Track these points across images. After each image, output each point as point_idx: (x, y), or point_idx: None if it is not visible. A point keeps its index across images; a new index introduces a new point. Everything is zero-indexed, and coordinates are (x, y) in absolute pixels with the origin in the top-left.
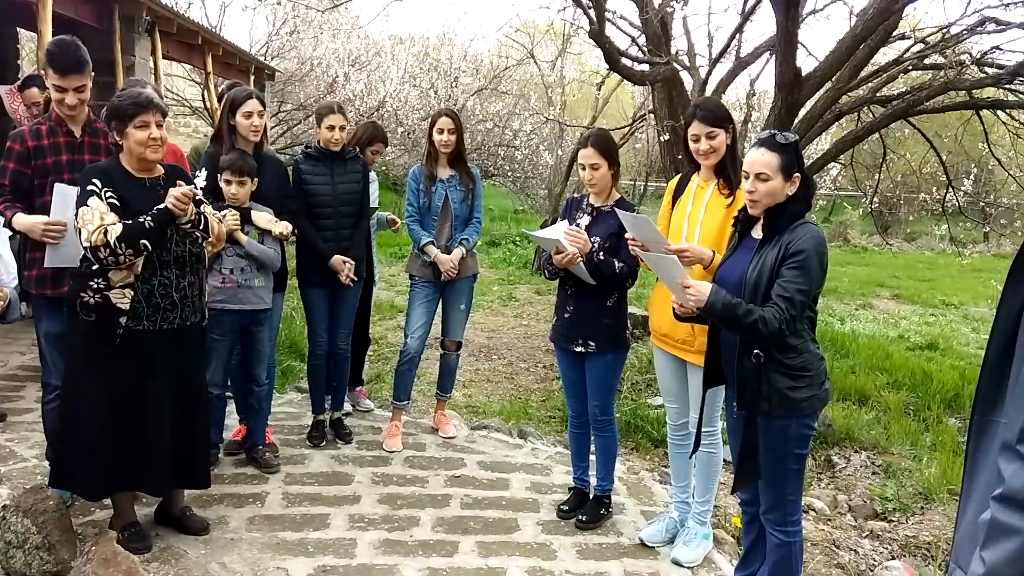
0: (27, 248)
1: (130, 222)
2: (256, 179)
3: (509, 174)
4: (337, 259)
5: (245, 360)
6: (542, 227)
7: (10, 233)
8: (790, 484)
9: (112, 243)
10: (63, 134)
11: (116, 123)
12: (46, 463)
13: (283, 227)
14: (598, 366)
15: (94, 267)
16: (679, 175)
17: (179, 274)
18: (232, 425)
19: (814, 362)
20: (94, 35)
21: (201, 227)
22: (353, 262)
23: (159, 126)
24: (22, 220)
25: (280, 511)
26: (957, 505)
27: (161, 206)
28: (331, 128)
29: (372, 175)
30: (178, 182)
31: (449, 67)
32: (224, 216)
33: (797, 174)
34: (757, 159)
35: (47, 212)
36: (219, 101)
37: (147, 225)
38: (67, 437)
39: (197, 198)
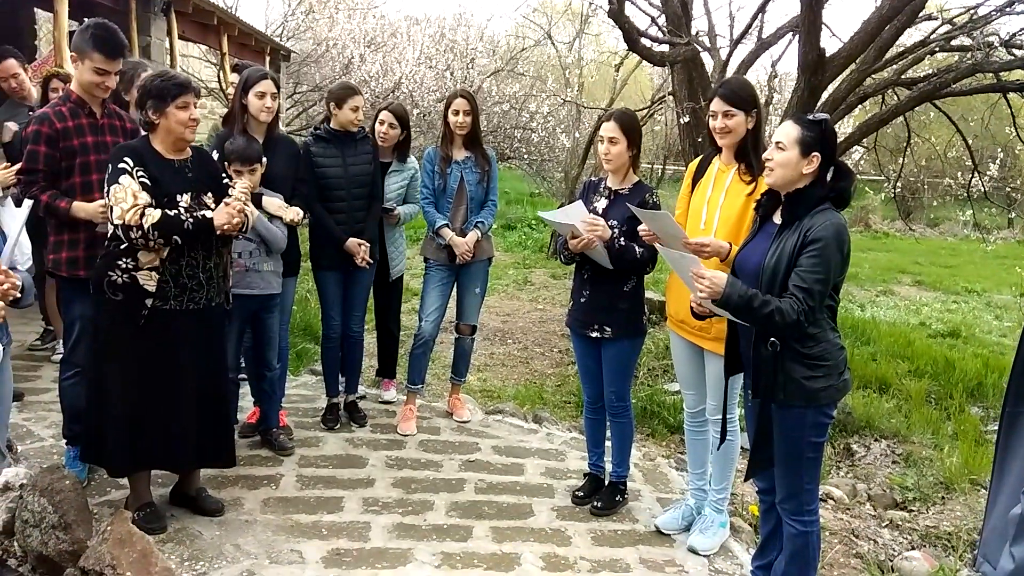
0: (54, 231)
1: (171, 214)
2: (264, 161)
3: (525, 156)
4: (352, 242)
5: (256, 345)
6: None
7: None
8: (806, 473)
9: (146, 228)
10: (85, 115)
11: (155, 102)
12: (63, 442)
13: (294, 213)
14: (614, 352)
15: (122, 246)
16: (699, 158)
17: (205, 255)
18: (246, 407)
19: (833, 351)
20: (110, 15)
21: (243, 228)
22: (368, 244)
23: (195, 107)
24: (84, 207)
25: (294, 493)
26: (986, 498)
27: (208, 214)
28: (355, 109)
29: (412, 162)
30: (224, 202)
31: (465, 48)
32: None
33: (816, 154)
34: (781, 129)
35: (73, 195)
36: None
37: (186, 226)
38: (93, 415)
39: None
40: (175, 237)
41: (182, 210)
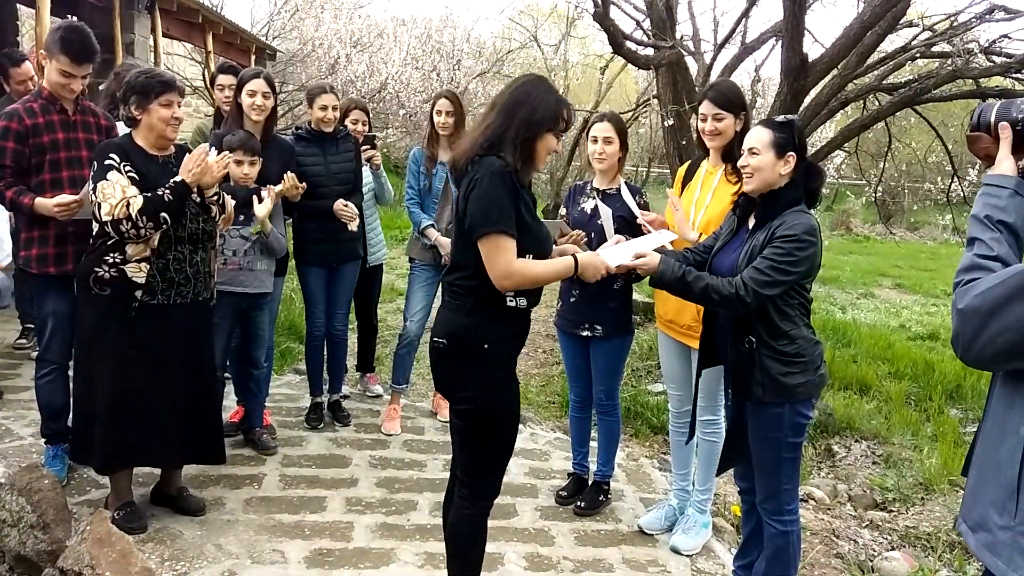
0: (24, 228)
1: (149, 195)
2: (261, 160)
3: None
4: (338, 203)
5: (244, 343)
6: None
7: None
8: (785, 473)
9: (134, 216)
10: (56, 112)
11: (138, 99)
12: (42, 441)
13: (294, 186)
14: (604, 350)
15: (110, 242)
16: (689, 163)
17: (192, 250)
18: (230, 407)
19: (808, 347)
20: (93, 12)
21: (219, 201)
22: (353, 206)
23: (179, 106)
24: (44, 204)
25: (277, 493)
26: (966, 461)
27: (177, 178)
28: (324, 108)
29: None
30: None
31: (452, 50)
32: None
33: (791, 154)
34: (751, 135)
35: (42, 192)
36: (211, 83)
37: (166, 198)
38: (80, 413)
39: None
40: (162, 215)
41: (164, 191)
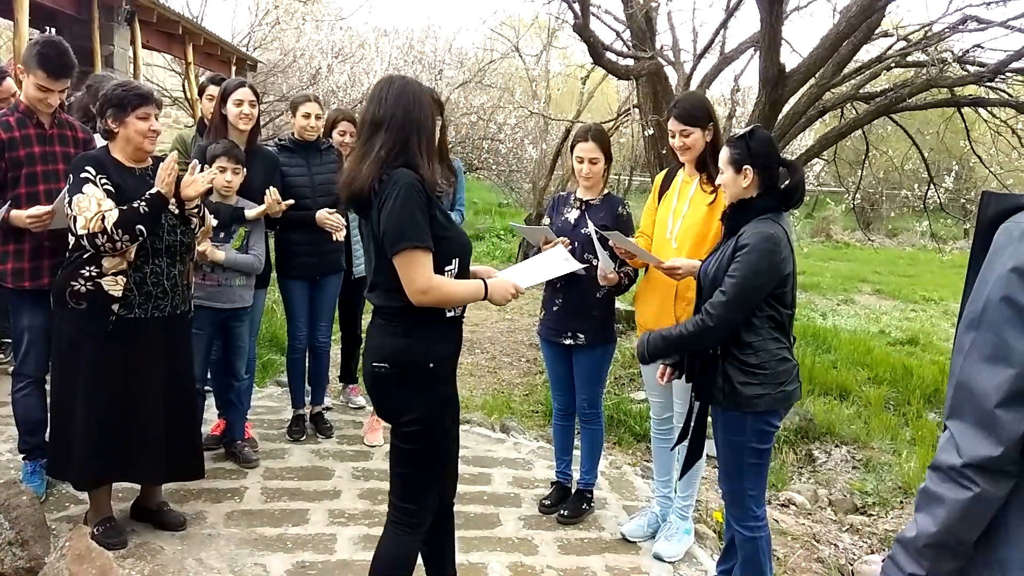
0: (0, 242)
1: (125, 208)
2: (244, 170)
3: (493, 167)
4: (321, 213)
5: (225, 355)
6: (526, 221)
7: None
8: (748, 479)
9: (109, 229)
10: (33, 126)
11: (115, 111)
12: (19, 457)
13: (277, 206)
14: (587, 359)
15: (85, 255)
16: (665, 171)
17: (169, 263)
18: (211, 420)
19: (772, 363)
20: (72, 24)
21: (200, 214)
22: (339, 215)
23: (156, 118)
24: (19, 215)
25: (259, 506)
26: None
27: (153, 191)
28: (307, 116)
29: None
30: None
31: (434, 60)
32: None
33: (747, 167)
34: (720, 153)
35: (19, 206)
36: (199, 93)
37: (142, 210)
38: (60, 427)
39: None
40: (139, 228)
41: (139, 204)
